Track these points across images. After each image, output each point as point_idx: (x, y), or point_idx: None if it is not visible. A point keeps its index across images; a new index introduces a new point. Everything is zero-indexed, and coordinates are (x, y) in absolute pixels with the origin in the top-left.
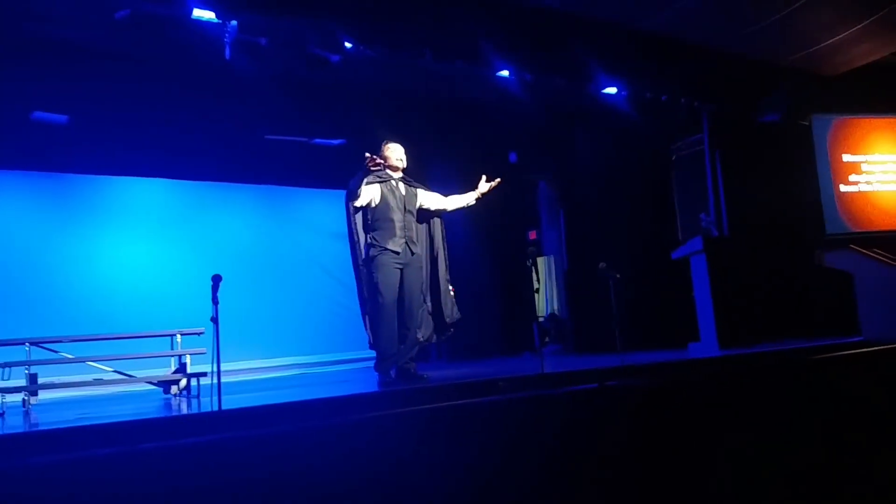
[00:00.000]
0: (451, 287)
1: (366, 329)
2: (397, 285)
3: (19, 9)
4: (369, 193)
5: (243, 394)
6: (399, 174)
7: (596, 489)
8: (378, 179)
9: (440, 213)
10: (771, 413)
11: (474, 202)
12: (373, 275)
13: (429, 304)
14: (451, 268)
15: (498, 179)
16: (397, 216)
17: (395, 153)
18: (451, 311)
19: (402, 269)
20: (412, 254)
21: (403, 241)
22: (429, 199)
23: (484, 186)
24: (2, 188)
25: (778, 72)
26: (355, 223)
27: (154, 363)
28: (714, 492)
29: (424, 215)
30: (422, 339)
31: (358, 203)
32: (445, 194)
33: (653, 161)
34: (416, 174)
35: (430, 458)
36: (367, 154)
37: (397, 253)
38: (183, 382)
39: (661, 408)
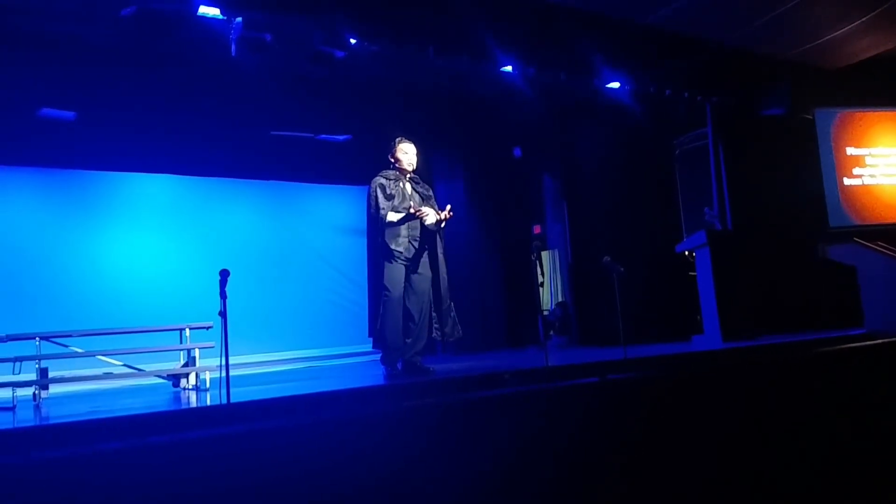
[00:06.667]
0: (452, 304)
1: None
2: (402, 281)
3: (26, 5)
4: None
5: (252, 387)
6: (408, 175)
7: (602, 481)
8: (386, 179)
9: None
10: (774, 405)
11: (434, 223)
12: (379, 273)
13: (439, 306)
14: (455, 261)
15: (449, 210)
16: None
17: (408, 157)
18: (451, 329)
19: (406, 267)
20: (416, 252)
21: (407, 239)
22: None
23: (444, 214)
24: (11, 184)
25: (781, 65)
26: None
27: (163, 357)
28: (718, 483)
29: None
30: (431, 336)
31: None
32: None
33: (657, 155)
34: (421, 169)
35: (436, 451)
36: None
37: (400, 252)
38: (192, 376)
39: (665, 400)
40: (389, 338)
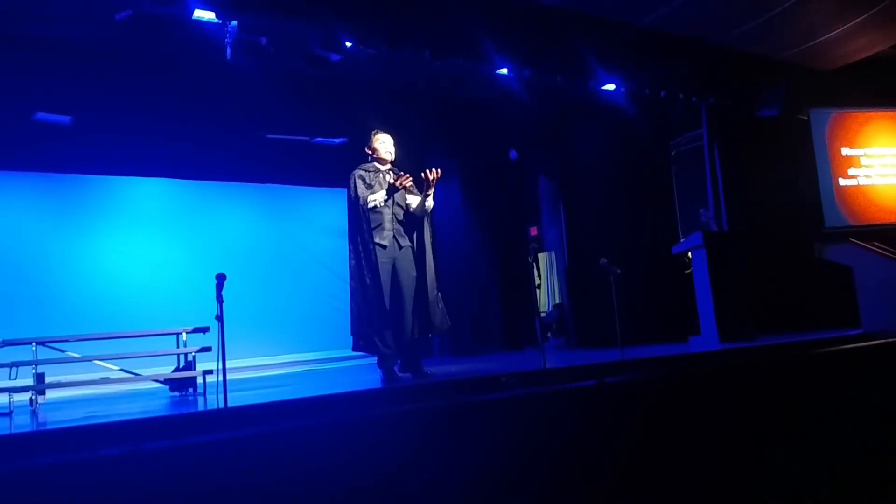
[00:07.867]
0: (439, 294)
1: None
2: (389, 280)
3: (21, 9)
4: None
5: (249, 391)
6: (387, 166)
7: (600, 483)
8: (365, 171)
9: (428, 215)
10: (771, 406)
11: (429, 202)
12: (363, 270)
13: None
14: (453, 264)
15: (436, 171)
16: (386, 209)
17: (385, 145)
18: (440, 321)
19: (392, 264)
20: (400, 247)
21: (391, 234)
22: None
23: (430, 176)
24: (6, 189)
25: (776, 66)
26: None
27: (160, 361)
28: (715, 485)
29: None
30: (417, 334)
31: (372, 198)
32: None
33: (653, 156)
34: (417, 171)
35: (434, 455)
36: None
37: (384, 247)
38: (189, 380)
39: (662, 402)
40: (378, 339)
